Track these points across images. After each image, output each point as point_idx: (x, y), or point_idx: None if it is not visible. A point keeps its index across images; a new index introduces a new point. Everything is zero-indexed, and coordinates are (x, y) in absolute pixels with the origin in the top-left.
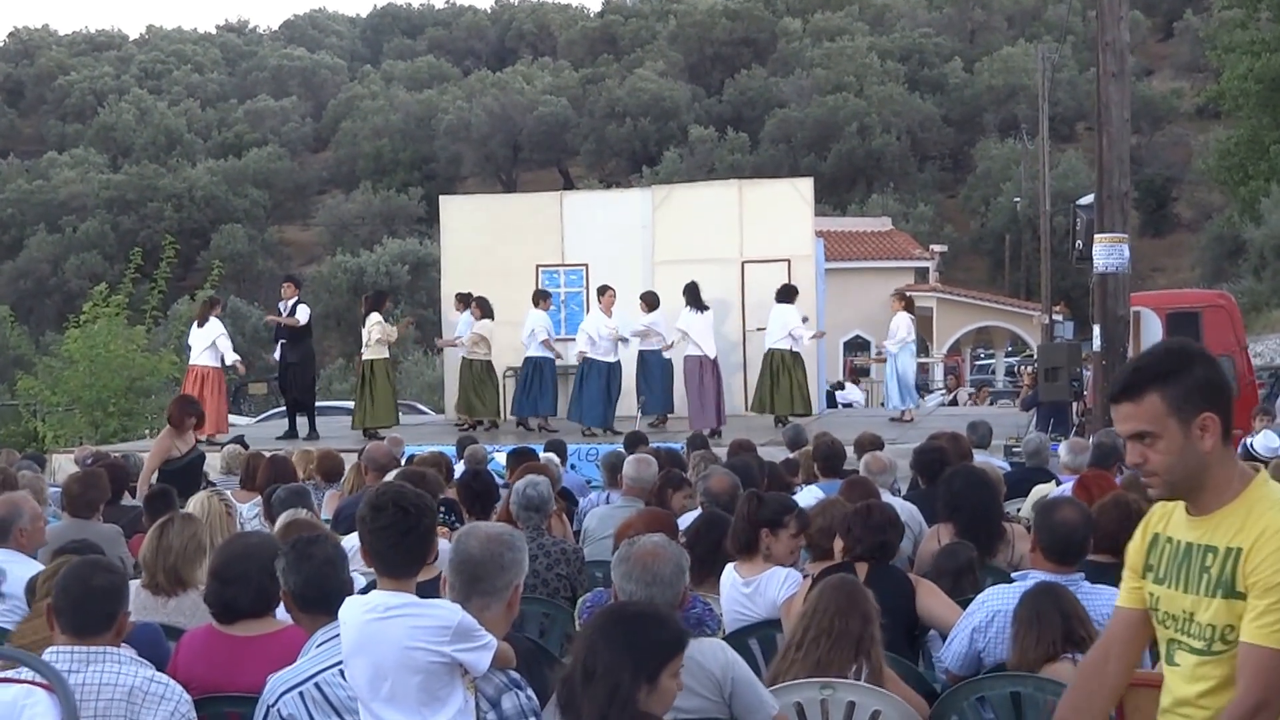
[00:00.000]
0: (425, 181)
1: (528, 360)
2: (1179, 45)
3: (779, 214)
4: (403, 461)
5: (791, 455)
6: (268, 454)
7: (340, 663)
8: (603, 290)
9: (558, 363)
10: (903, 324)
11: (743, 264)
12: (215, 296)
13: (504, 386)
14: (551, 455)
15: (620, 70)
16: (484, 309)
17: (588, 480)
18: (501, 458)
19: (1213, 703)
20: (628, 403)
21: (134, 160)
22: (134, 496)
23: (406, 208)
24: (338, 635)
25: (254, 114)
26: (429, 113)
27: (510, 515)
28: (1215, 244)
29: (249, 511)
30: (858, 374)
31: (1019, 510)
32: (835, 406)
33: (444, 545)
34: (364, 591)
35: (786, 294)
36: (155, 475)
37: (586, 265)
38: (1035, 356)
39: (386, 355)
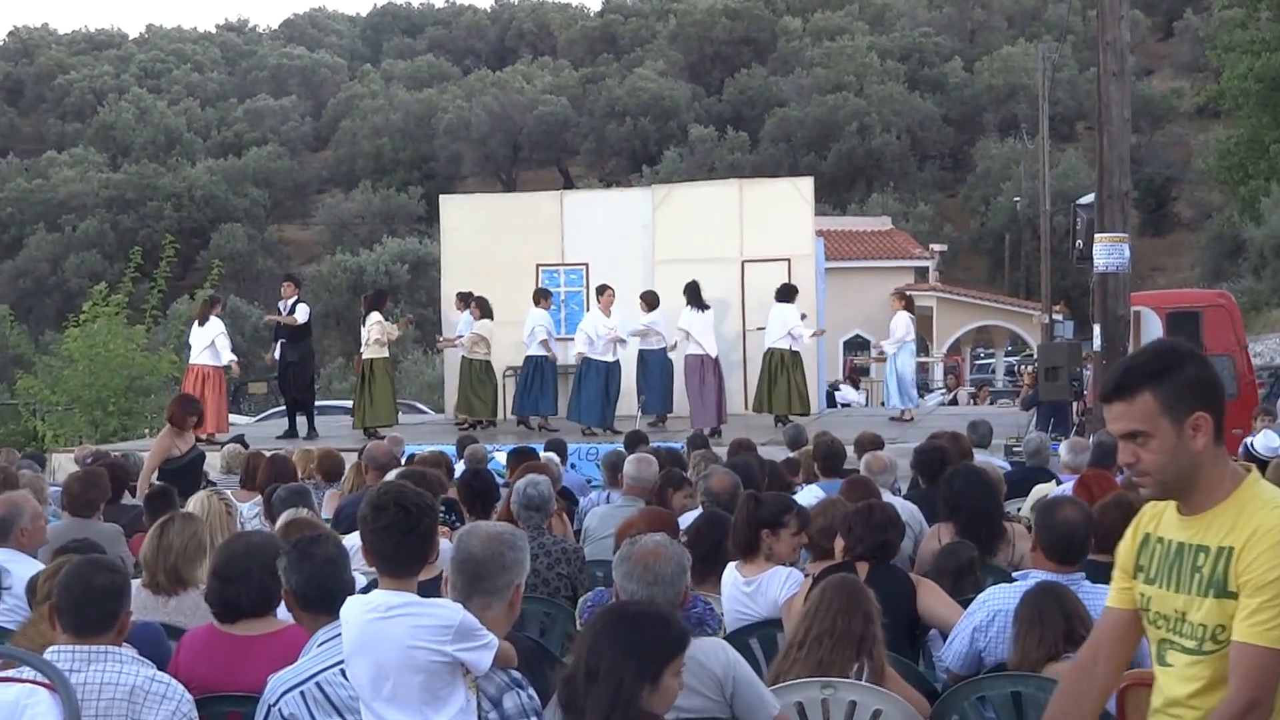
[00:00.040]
0: (425, 181)
1: (528, 359)
2: (1179, 45)
3: (779, 213)
4: (403, 461)
5: (792, 455)
6: (268, 453)
7: (342, 662)
8: (601, 290)
9: (558, 362)
10: (901, 323)
11: (743, 263)
12: (216, 295)
13: (504, 386)
14: (552, 455)
15: (620, 69)
16: (483, 309)
17: (588, 479)
18: (502, 457)
19: (1204, 703)
20: (628, 402)
21: (133, 159)
22: (134, 496)
23: (406, 207)
24: (339, 634)
25: (254, 113)
26: (429, 112)
27: (511, 514)
28: (1215, 243)
29: (249, 511)
30: (858, 373)
31: (1019, 510)
32: (835, 406)
33: (445, 545)
34: (365, 591)
35: (786, 293)
36: (155, 474)
37: (587, 264)
38: (1035, 356)
39: (386, 354)
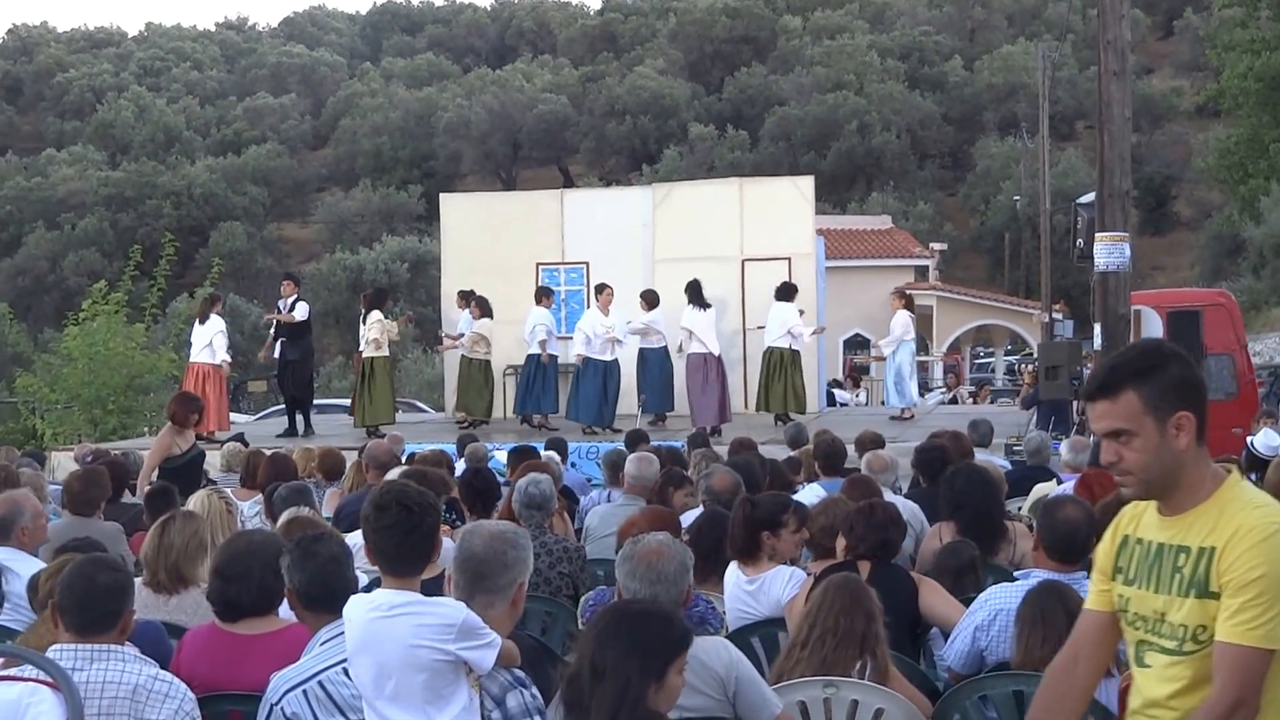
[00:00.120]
0: (425, 179)
1: (530, 358)
2: (1179, 44)
3: (779, 212)
4: (403, 459)
5: (793, 453)
6: (268, 452)
7: (344, 661)
8: (600, 289)
9: (559, 361)
10: (900, 322)
11: (743, 262)
12: (216, 294)
13: (505, 385)
14: (552, 453)
15: (620, 68)
16: (483, 308)
17: (588, 478)
18: (502, 456)
19: (1183, 703)
20: (628, 401)
21: (133, 157)
22: (134, 494)
23: (406, 205)
24: (341, 633)
25: (253, 111)
26: (428, 110)
27: (511, 513)
28: (1215, 242)
29: (250, 509)
30: (858, 372)
31: (1020, 509)
32: (835, 405)
33: (447, 544)
34: (367, 590)
35: (786, 292)
36: (155, 473)
37: (587, 263)
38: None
39: (386, 353)
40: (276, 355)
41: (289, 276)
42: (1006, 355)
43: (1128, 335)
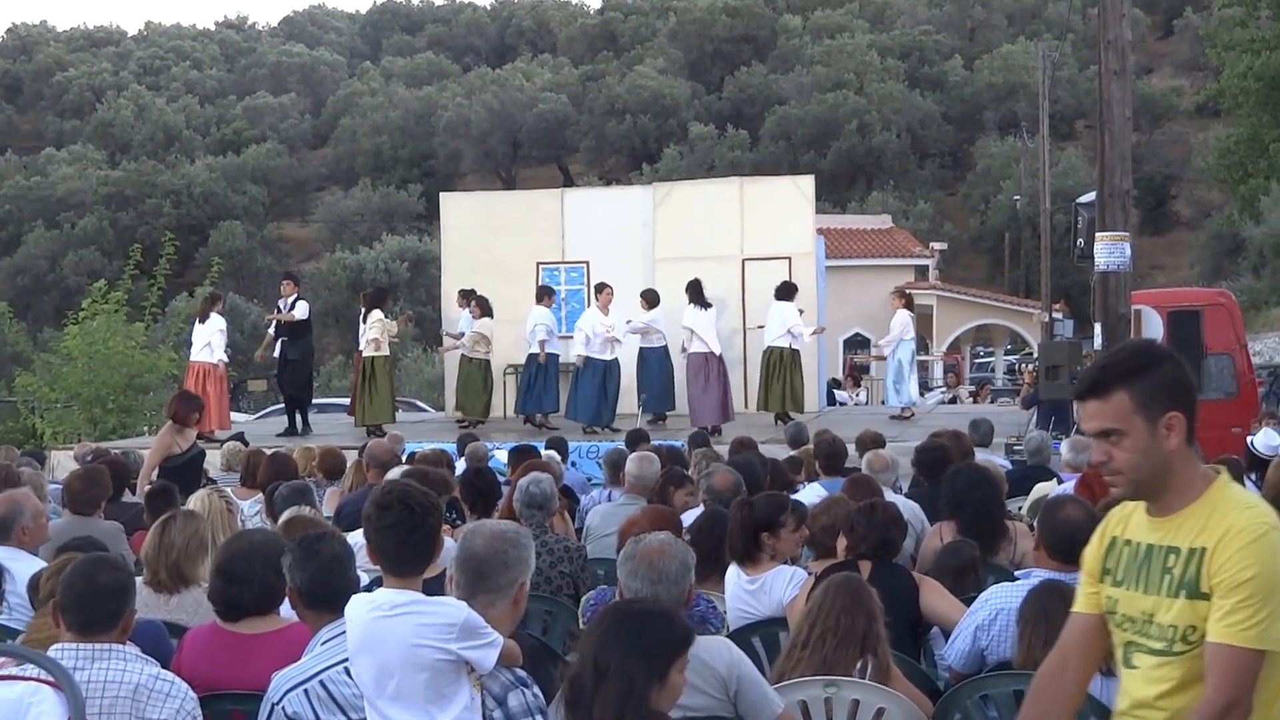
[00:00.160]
0: (424, 178)
1: (531, 357)
2: (1179, 43)
3: (780, 211)
4: (403, 459)
5: (793, 453)
6: (268, 451)
7: (345, 660)
8: (600, 288)
9: (561, 360)
10: (900, 321)
11: (743, 261)
12: (216, 293)
13: (505, 384)
14: (553, 453)
15: (620, 67)
16: (484, 308)
17: (588, 478)
18: (502, 455)
19: (1171, 704)
20: (628, 400)
21: (132, 157)
22: (134, 494)
23: (406, 204)
24: (343, 633)
25: (253, 110)
26: (428, 109)
27: (512, 513)
28: (1214, 242)
29: (250, 509)
30: (858, 371)
31: (1020, 508)
32: (835, 404)
33: (448, 543)
34: (368, 589)
35: (785, 291)
36: (156, 472)
37: (587, 262)
38: (1036, 354)
39: (386, 353)
40: (276, 354)
41: (289, 276)
42: (1006, 355)
43: (1128, 335)
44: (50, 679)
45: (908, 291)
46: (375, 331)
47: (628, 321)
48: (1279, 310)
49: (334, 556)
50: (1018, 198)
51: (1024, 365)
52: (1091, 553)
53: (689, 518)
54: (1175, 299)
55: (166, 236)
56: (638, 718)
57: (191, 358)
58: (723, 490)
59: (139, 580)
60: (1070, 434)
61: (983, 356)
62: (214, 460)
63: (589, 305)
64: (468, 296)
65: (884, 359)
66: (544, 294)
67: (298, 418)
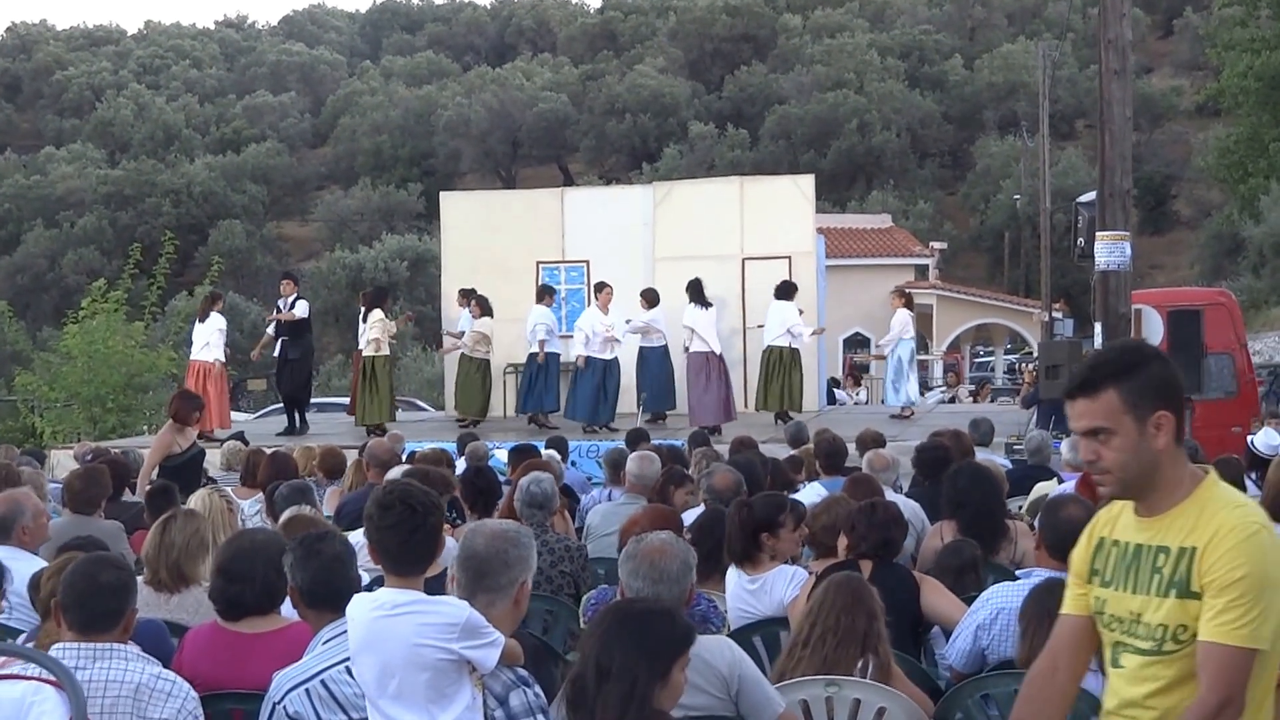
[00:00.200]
0: (424, 177)
1: (532, 357)
2: (1179, 43)
3: (780, 211)
4: (403, 458)
5: (794, 452)
6: (268, 451)
7: (347, 660)
8: (600, 287)
9: (562, 359)
10: (899, 321)
11: (743, 261)
12: (216, 292)
13: (505, 383)
14: (553, 452)
15: (620, 66)
16: (483, 307)
17: (588, 477)
18: (502, 455)
19: (1161, 703)
20: (628, 399)
21: (132, 156)
22: (134, 493)
23: (405, 203)
24: (344, 632)
25: (252, 109)
26: (428, 108)
27: (513, 512)
28: (1214, 241)
29: (250, 508)
30: (858, 371)
31: (1020, 507)
32: (835, 403)
33: (450, 543)
34: (369, 588)
35: (785, 290)
36: (156, 471)
37: (587, 262)
38: (1036, 354)
39: (387, 352)
40: (276, 354)
41: (288, 275)
42: (1006, 354)
43: (1129, 334)
44: (52, 678)
45: (907, 291)
46: (376, 331)
47: (627, 321)
48: (1279, 310)
49: (335, 556)
50: (1018, 197)
51: (1024, 365)
52: (1079, 554)
53: (689, 517)
54: (1175, 298)
55: (166, 235)
56: (640, 717)
57: (191, 357)
58: (723, 490)
59: (139, 579)
60: (1070, 433)
61: (982, 356)
62: (214, 459)
63: (589, 304)
64: (468, 296)
65: (885, 358)
66: (544, 293)
67: (296, 417)
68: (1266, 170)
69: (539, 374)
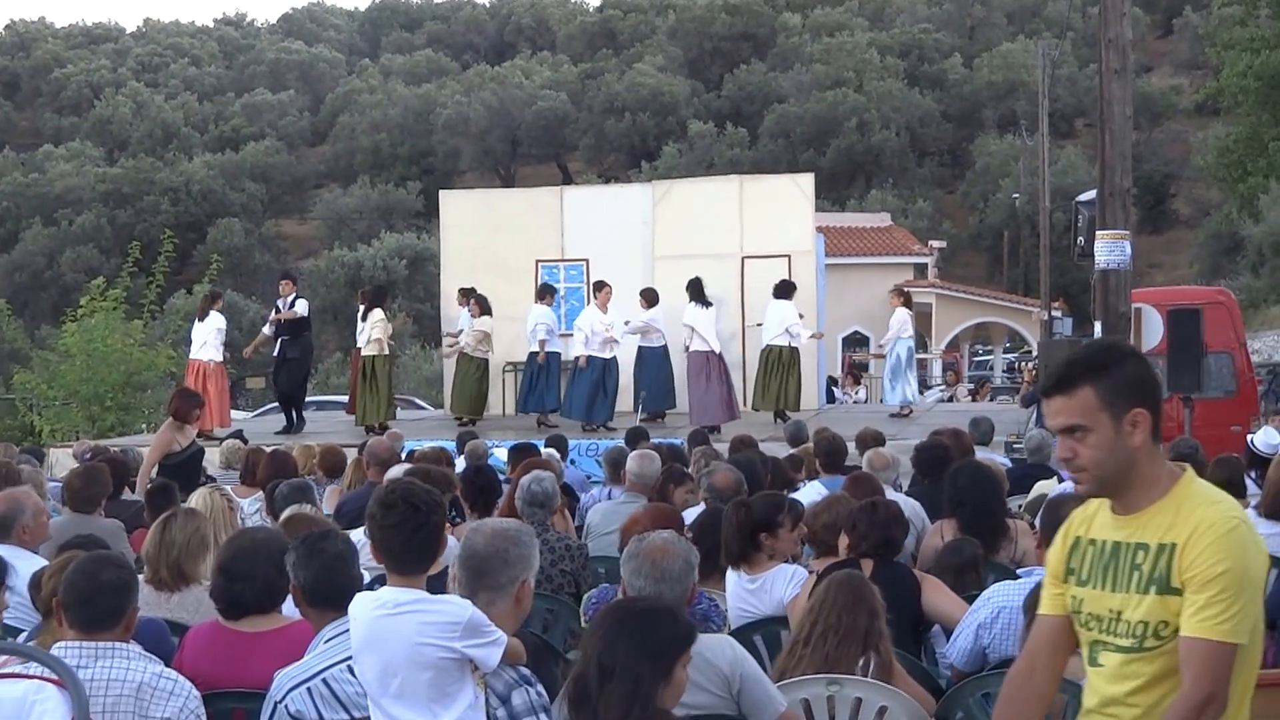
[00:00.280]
0: (423, 176)
1: (532, 356)
2: (1178, 42)
3: (780, 209)
4: (402, 456)
5: (793, 451)
6: (268, 449)
7: (349, 658)
8: (599, 286)
9: (563, 358)
10: (898, 320)
11: (743, 259)
12: (216, 291)
13: (504, 382)
14: (552, 451)
15: (619, 65)
16: (483, 306)
17: (588, 475)
18: (502, 453)
19: (1143, 700)
20: (628, 398)
21: (130, 154)
22: (134, 491)
23: (404, 202)
24: (345, 631)
25: (251, 108)
26: (427, 107)
27: (513, 511)
28: (1213, 241)
29: (249, 507)
30: (857, 369)
31: (1020, 506)
32: (834, 402)
33: (451, 541)
34: (370, 587)
35: (784, 290)
36: (155, 469)
37: (587, 260)
38: (1035, 352)
39: (386, 352)
40: (276, 352)
41: (287, 275)
42: (1005, 353)
43: (1128, 333)
44: (54, 677)
45: (906, 290)
46: (378, 331)
47: (626, 322)
48: (1278, 309)
49: (338, 555)
50: (1017, 196)
51: (1023, 363)
52: (1055, 553)
53: (689, 516)
54: (1175, 297)
55: (165, 234)
56: (644, 716)
57: (191, 355)
58: (724, 489)
59: (140, 578)
60: None
61: (981, 355)
62: (213, 458)
63: (588, 303)
64: (467, 295)
65: (885, 357)
66: (545, 292)
67: (294, 414)
68: (1266, 169)
69: (539, 373)
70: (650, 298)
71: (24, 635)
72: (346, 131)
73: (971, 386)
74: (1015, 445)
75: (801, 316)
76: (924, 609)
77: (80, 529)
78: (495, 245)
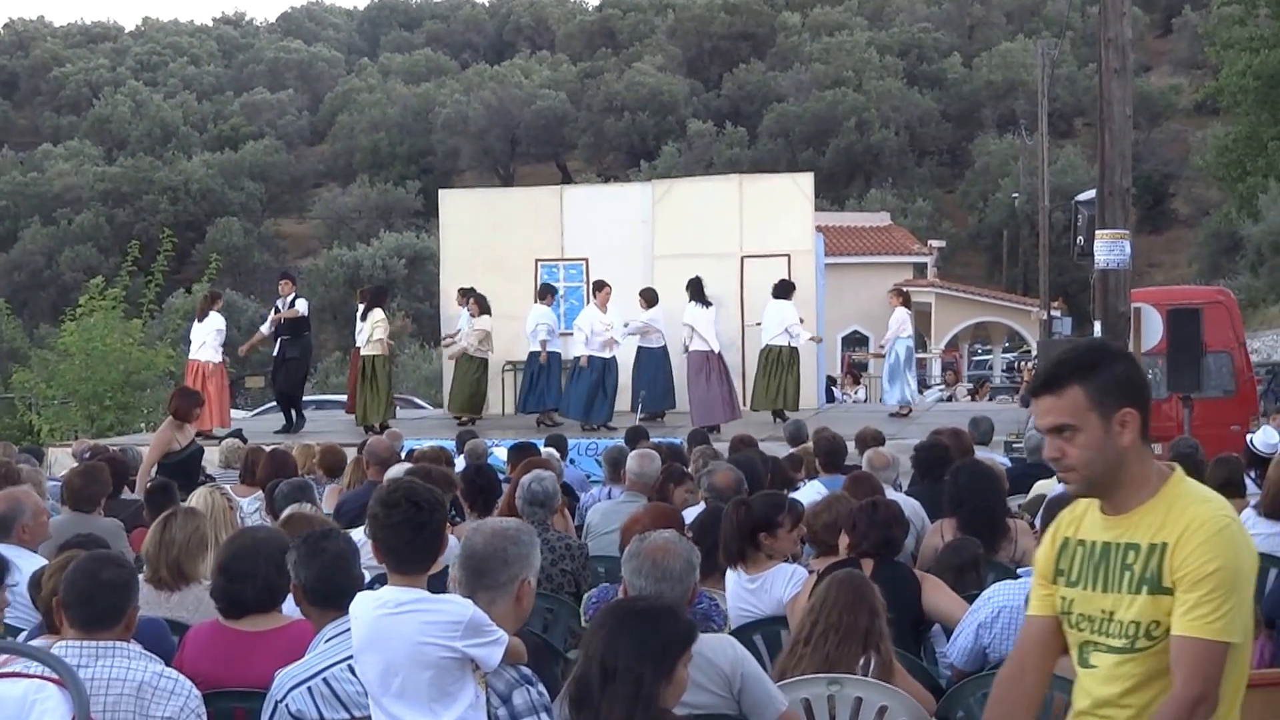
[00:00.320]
0: (422, 175)
1: (532, 356)
2: (1177, 41)
3: (779, 209)
4: (401, 455)
5: (793, 450)
6: (267, 448)
7: (349, 658)
8: (599, 286)
9: (564, 358)
10: (897, 319)
11: (742, 259)
12: (216, 291)
13: (504, 381)
14: (552, 450)
15: (618, 64)
16: (482, 305)
17: (587, 475)
18: (501, 453)
19: (1137, 700)
20: (627, 398)
21: (129, 153)
22: (133, 490)
23: (403, 201)
24: (347, 630)
25: (250, 107)
26: (426, 106)
27: (512, 510)
28: (1212, 240)
29: (249, 506)
30: (856, 369)
31: (1019, 506)
32: (834, 401)
33: (451, 541)
34: (371, 586)
35: (783, 290)
36: (155, 468)
37: (586, 260)
38: (1034, 352)
39: (386, 351)
40: (275, 352)
41: (286, 275)
42: (1004, 353)
43: (1128, 333)
44: (54, 676)
45: (905, 289)
46: (381, 332)
47: (625, 324)
48: (1277, 308)
49: (339, 554)
50: (1016, 195)
51: (1023, 363)
52: (1043, 554)
53: (689, 515)
54: (1174, 297)
55: (164, 233)
56: (646, 716)
57: (190, 356)
58: (724, 488)
59: (140, 577)
60: None
61: (980, 354)
62: (212, 457)
63: (587, 303)
64: (466, 295)
65: (882, 356)
66: (545, 292)
67: (293, 413)
68: (1265, 169)
69: (540, 373)
70: (650, 298)
71: (24, 634)
72: (345, 131)
73: (971, 386)
74: (1015, 445)
75: (801, 320)
76: (924, 608)
77: (80, 528)
78: (495, 244)
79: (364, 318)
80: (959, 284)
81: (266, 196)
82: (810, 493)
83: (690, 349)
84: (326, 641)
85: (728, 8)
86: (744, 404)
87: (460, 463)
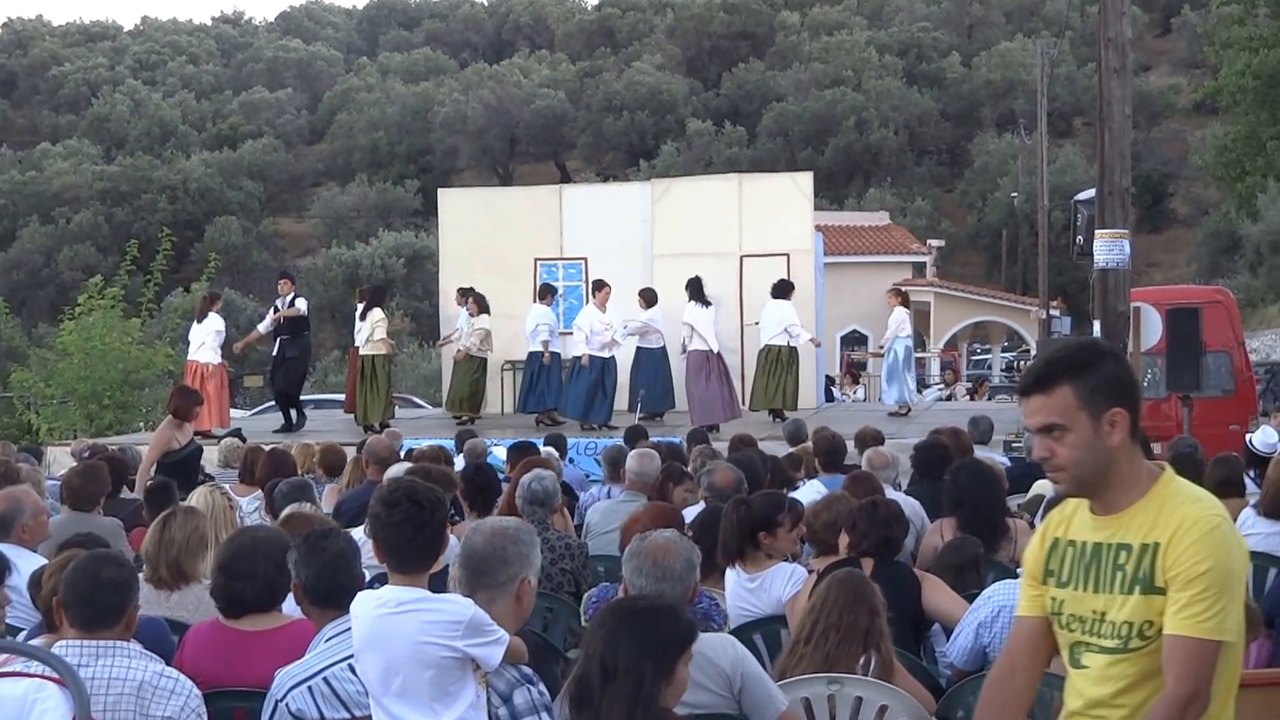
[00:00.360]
0: (421, 174)
1: (532, 356)
2: (1177, 41)
3: (778, 208)
4: (401, 455)
5: (793, 450)
6: (267, 448)
7: (350, 657)
8: (598, 285)
9: (564, 357)
10: (896, 319)
11: (741, 258)
12: (215, 291)
13: (503, 380)
14: (551, 449)
15: (618, 63)
16: (481, 305)
17: (586, 474)
18: (500, 452)
19: (1130, 700)
20: (625, 398)
21: (128, 152)
22: (132, 490)
23: (402, 200)
24: (347, 630)
25: (249, 106)
26: (425, 105)
27: (512, 509)
28: (1211, 240)
29: (248, 505)
30: (856, 369)
31: (1019, 505)
32: (833, 400)
33: (452, 540)
34: (371, 585)
35: (782, 289)
36: (154, 467)
37: (585, 259)
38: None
39: (386, 351)
40: (275, 351)
41: (285, 275)
42: (1003, 352)
43: (1127, 332)
44: (55, 676)
45: (904, 289)
46: (381, 332)
47: (624, 325)
48: (1276, 308)
49: (340, 553)
50: (1015, 195)
51: (1022, 362)
52: (1033, 555)
53: (689, 515)
54: (1174, 296)
55: (162, 232)
56: (647, 716)
57: (189, 356)
58: (724, 487)
59: (140, 576)
60: None
61: (979, 353)
62: (211, 457)
63: (587, 302)
64: (465, 294)
65: (881, 356)
66: (545, 292)
67: (293, 413)
68: (1264, 168)
69: (541, 373)
70: (649, 298)
71: (24, 634)
72: (344, 130)
73: (970, 385)
74: (1014, 444)
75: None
76: (924, 608)
77: (79, 527)
78: (494, 244)
79: (363, 317)
80: (958, 283)
81: (265, 196)
82: (810, 492)
83: (690, 348)
84: (327, 641)
85: (727, 7)
86: (743, 403)
87: (460, 462)
